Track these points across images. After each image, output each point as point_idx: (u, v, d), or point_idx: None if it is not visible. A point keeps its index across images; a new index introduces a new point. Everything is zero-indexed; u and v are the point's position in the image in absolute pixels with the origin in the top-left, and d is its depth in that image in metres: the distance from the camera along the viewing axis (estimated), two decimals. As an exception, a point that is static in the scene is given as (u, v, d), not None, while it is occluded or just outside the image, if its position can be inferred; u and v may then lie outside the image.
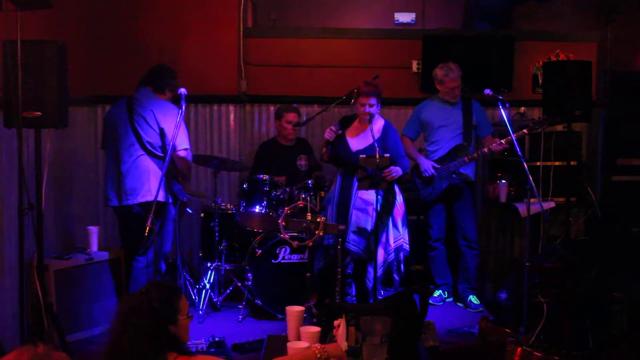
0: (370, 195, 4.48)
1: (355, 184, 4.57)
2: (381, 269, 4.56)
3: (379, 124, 4.64)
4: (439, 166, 5.15)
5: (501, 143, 4.90)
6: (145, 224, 4.02)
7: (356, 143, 4.66)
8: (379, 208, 4.47)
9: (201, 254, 5.24)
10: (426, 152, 5.30)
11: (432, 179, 5.15)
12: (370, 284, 4.56)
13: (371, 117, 4.53)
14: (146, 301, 2.31)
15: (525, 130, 4.76)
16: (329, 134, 4.65)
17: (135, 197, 4.44)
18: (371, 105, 4.55)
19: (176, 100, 4.33)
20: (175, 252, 5.00)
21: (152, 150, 4.44)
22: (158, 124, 4.42)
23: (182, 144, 4.41)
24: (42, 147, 3.72)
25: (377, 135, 4.50)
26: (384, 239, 4.57)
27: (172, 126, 4.33)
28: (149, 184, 4.43)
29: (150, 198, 4.32)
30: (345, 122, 4.79)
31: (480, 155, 5.10)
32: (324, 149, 4.74)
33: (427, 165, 5.15)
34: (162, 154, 4.44)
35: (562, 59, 5.91)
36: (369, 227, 4.50)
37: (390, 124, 4.74)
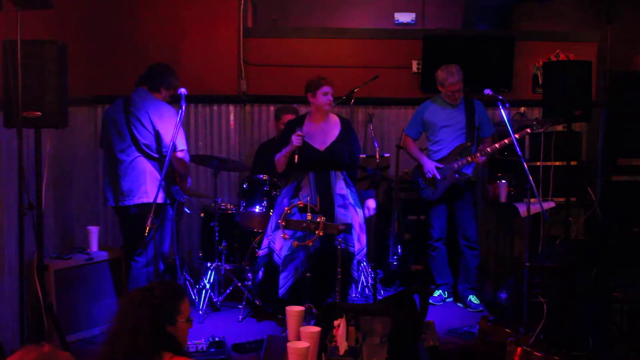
0: (344, 190, 4.51)
1: (334, 183, 4.54)
2: (356, 258, 4.58)
3: (334, 117, 4.66)
4: (442, 166, 5.16)
5: (503, 143, 4.91)
6: (144, 224, 4.04)
7: (320, 142, 4.58)
8: (352, 201, 4.53)
9: (201, 254, 5.24)
10: (428, 151, 5.30)
11: (435, 179, 5.16)
12: (356, 274, 4.60)
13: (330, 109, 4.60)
14: (148, 297, 2.34)
15: (528, 130, 4.76)
16: (297, 140, 4.43)
17: (131, 198, 4.45)
18: (332, 94, 4.57)
19: (176, 100, 4.33)
20: (173, 253, 5.02)
21: (148, 152, 4.45)
22: (153, 126, 4.41)
23: (179, 144, 4.40)
24: (42, 147, 3.72)
25: (337, 129, 4.52)
26: (358, 229, 4.57)
27: (167, 128, 4.35)
28: (145, 185, 4.43)
29: (146, 200, 4.37)
30: (294, 125, 4.60)
31: (483, 154, 5.11)
32: (295, 156, 4.44)
33: (431, 166, 5.16)
34: (157, 156, 4.46)
35: (562, 59, 5.91)
36: (350, 220, 4.52)
37: (345, 119, 4.73)
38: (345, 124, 4.63)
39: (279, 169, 4.67)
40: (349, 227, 4.52)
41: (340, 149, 4.53)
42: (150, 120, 4.42)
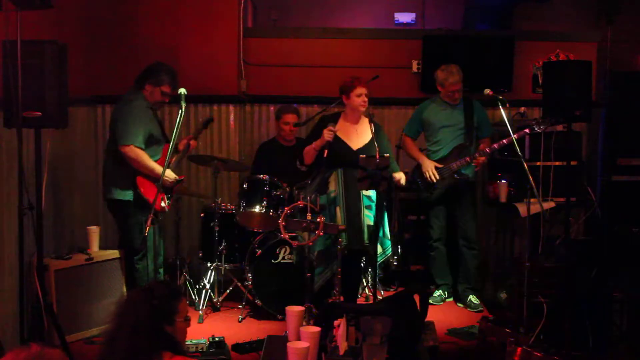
0: (370, 192, 4.52)
1: None
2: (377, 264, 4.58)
3: (366, 120, 4.66)
4: (441, 166, 5.16)
5: (502, 143, 4.91)
6: (115, 220, 4.52)
7: (354, 142, 4.62)
8: (377, 201, 4.54)
9: (201, 254, 5.23)
10: (428, 152, 5.30)
11: (434, 180, 5.15)
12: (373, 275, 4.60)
13: (365, 110, 4.59)
14: (146, 297, 2.34)
15: (527, 130, 4.76)
16: (329, 135, 4.46)
17: (104, 195, 4.64)
18: (367, 95, 4.56)
19: (176, 100, 4.34)
20: (173, 252, 5.03)
21: (112, 147, 4.53)
22: (114, 119, 4.52)
23: (124, 138, 4.41)
24: (42, 147, 3.72)
25: (370, 131, 4.54)
26: (380, 233, 4.57)
27: (122, 120, 4.43)
28: (108, 182, 4.57)
29: (109, 196, 4.54)
30: (328, 121, 4.65)
31: (482, 154, 5.11)
32: (325, 151, 4.47)
33: (430, 167, 5.16)
34: (115, 150, 4.52)
35: (562, 59, 5.90)
36: (372, 222, 4.53)
37: (376, 122, 4.74)
38: (377, 127, 4.63)
39: (306, 162, 4.68)
40: (370, 228, 4.53)
41: (371, 152, 4.53)
42: (114, 114, 4.56)
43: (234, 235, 5.17)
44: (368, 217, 4.55)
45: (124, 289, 4.66)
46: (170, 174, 4.49)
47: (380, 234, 4.59)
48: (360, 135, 4.63)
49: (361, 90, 4.55)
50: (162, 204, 4.48)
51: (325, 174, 4.63)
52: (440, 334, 4.41)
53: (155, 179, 4.34)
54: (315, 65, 5.94)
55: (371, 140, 4.48)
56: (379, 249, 4.55)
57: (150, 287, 2.43)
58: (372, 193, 4.55)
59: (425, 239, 5.37)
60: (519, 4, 6.29)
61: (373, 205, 4.56)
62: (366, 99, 4.57)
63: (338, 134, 4.58)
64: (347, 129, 4.65)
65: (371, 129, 4.51)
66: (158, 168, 4.42)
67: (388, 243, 4.63)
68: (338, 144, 4.56)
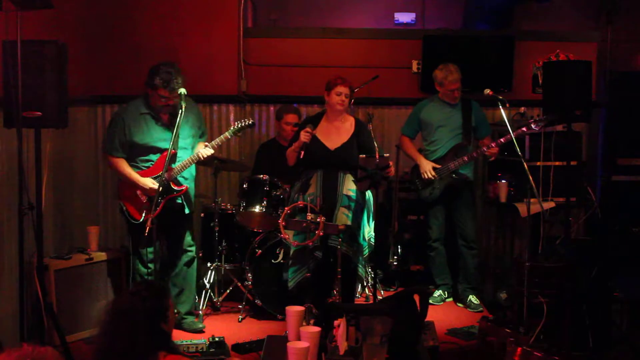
0: (352, 191, 4.50)
1: (341, 184, 4.52)
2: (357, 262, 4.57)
3: (350, 119, 4.65)
4: (438, 167, 5.15)
5: (500, 142, 4.91)
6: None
7: (332, 141, 4.58)
8: (360, 202, 4.50)
9: (201, 254, 5.23)
10: (425, 152, 5.30)
11: (432, 180, 5.15)
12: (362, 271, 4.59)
13: (345, 110, 4.56)
14: (138, 301, 2.33)
15: (524, 129, 4.76)
16: (305, 136, 4.42)
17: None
18: (347, 96, 4.52)
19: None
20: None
21: None
22: None
23: (103, 146, 4.47)
24: (42, 147, 3.72)
25: (351, 130, 4.52)
26: (360, 232, 4.55)
27: (107, 128, 4.49)
28: (116, 186, 4.61)
29: (118, 200, 4.55)
30: (308, 122, 4.64)
31: (480, 154, 5.12)
32: (302, 152, 4.46)
33: (427, 167, 5.16)
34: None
35: (562, 59, 5.90)
36: (350, 222, 4.49)
37: (361, 120, 4.72)
38: (359, 126, 4.61)
39: (289, 163, 4.68)
40: (350, 228, 4.50)
41: (349, 151, 4.52)
42: None
43: (234, 235, 5.17)
44: (346, 217, 4.48)
45: (124, 289, 4.66)
46: (148, 183, 4.34)
47: (359, 235, 4.52)
48: (340, 134, 4.60)
49: (341, 89, 4.51)
50: (142, 215, 4.35)
51: (306, 176, 4.59)
52: (440, 334, 4.41)
53: (141, 188, 4.38)
54: (315, 65, 5.94)
55: (350, 140, 4.46)
56: (351, 252, 4.47)
57: (137, 290, 2.41)
58: (353, 193, 4.51)
59: (425, 239, 5.37)
60: (519, 4, 6.28)
61: (353, 205, 4.48)
62: (345, 100, 4.52)
63: (317, 134, 4.53)
64: (327, 128, 4.61)
65: (355, 128, 4.46)
66: (135, 177, 4.36)
67: (364, 245, 4.57)
68: (316, 144, 4.52)
